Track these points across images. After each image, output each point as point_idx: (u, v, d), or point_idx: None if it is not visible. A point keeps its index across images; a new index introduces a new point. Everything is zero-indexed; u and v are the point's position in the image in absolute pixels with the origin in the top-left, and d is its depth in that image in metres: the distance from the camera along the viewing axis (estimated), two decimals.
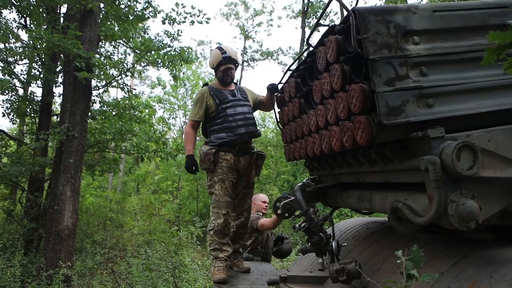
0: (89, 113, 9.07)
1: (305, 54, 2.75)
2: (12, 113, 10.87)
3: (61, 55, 9.40)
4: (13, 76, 10.56)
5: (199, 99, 3.49)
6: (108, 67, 9.55)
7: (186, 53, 9.89)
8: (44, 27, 8.87)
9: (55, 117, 11.39)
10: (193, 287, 6.52)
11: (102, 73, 9.33)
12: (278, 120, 3.47)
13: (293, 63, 3.16)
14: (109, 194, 17.53)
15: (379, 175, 2.26)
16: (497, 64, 1.34)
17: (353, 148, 2.11)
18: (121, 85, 10.88)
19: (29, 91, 11.53)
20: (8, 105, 10.72)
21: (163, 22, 9.91)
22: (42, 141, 8.85)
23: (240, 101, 3.53)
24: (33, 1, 9.23)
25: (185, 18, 9.91)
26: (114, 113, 10.75)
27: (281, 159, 15.57)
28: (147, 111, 11.95)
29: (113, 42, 10.96)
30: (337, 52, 2.07)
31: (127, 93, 11.26)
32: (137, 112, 11.00)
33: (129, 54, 12.37)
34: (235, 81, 3.73)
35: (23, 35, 11.23)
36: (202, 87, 3.64)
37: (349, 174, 2.67)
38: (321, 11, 18.54)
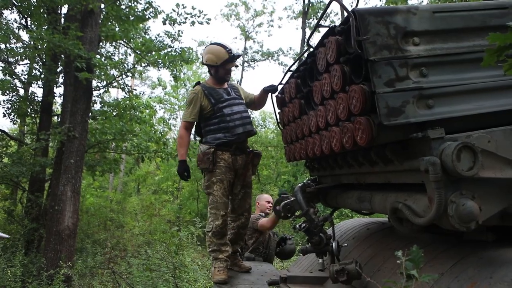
0: (90, 114, 9.09)
1: (305, 55, 2.76)
2: (13, 113, 10.88)
3: (62, 56, 9.41)
4: (14, 76, 10.58)
5: (193, 99, 3.39)
6: (108, 67, 9.57)
7: (187, 53, 9.90)
8: (45, 27, 8.89)
9: (55, 117, 11.40)
10: (193, 287, 6.52)
11: (102, 73, 9.35)
12: (279, 120, 3.47)
13: (293, 64, 3.17)
14: (109, 194, 17.54)
15: (379, 176, 2.26)
16: (497, 65, 1.34)
17: (353, 149, 2.11)
18: (122, 86, 10.90)
19: (30, 92, 11.55)
20: (9, 106, 10.74)
21: (164, 23, 9.93)
22: (42, 141, 8.86)
23: (235, 99, 3.46)
24: (34, 2, 9.25)
25: (185, 18, 9.93)
26: (114, 113, 10.76)
27: (282, 160, 15.58)
28: (147, 111, 11.96)
29: (113, 42, 10.98)
30: (337, 53, 2.07)
31: (127, 94, 11.28)
32: (137, 113, 11.00)
33: (130, 55, 12.40)
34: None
35: (24, 36, 11.27)
36: (194, 86, 3.54)
37: (350, 175, 2.67)
38: (321, 12, 18.55)
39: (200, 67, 24.58)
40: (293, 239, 4.50)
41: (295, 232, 9.25)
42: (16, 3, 9.40)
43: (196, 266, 7.28)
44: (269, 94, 3.54)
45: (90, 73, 7.92)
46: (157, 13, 9.89)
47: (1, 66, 10.28)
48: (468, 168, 1.63)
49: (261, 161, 16.52)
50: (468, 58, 1.89)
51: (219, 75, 3.48)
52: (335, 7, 21.10)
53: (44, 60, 10.19)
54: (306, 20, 19.17)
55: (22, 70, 11.39)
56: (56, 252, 7.57)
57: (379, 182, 2.29)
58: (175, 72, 10.23)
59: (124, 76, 10.99)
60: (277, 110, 3.48)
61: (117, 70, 10.55)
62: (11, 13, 10.32)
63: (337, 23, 2.19)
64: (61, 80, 10.52)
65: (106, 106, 11.01)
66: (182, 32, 10.41)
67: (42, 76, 10.25)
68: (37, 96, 11.19)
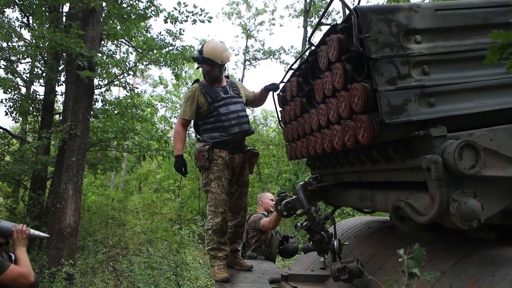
0: (91, 112, 9.09)
1: (307, 53, 2.75)
2: (15, 112, 10.90)
3: (64, 54, 9.42)
4: (15, 75, 10.59)
5: (190, 97, 3.38)
6: (110, 66, 9.56)
7: (188, 52, 9.89)
8: (47, 26, 8.90)
9: (57, 115, 11.41)
10: (195, 285, 6.53)
11: (104, 72, 9.36)
12: (280, 119, 3.47)
13: (295, 62, 3.17)
14: (111, 192, 17.55)
15: (381, 174, 2.26)
16: (500, 63, 1.34)
17: (355, 147, 2.11)
18: (123, 84, 10.90)
19: (31, 90, 11.56)
20: (11, 104, 10.76)
21: (165, 21, 9.92)
22: (44, 139, 8.88)
23: (232, 98, 3.42)
24: (35, 0, 9.25)
25: (187, 17, 9.92)
26: (116, 111, 10.77)
27: (283, 158, 15.56)
28: (149, 110, 11.97)
29: (115, 41, 10.97)
30: (339, 51, 2.07)
31: (129, 92, 11.28)
32: (139, 111, 11.01)
33: (131, 53, 12.41)
34: (227, 74, 3.64)
35: (26, 34, 11.23)
36: (192, 84, 3.53)
37: (351, 173, 2.67)
38: (323, 10, 18.50)
39: None
40: (295, 237, 4.49)
41: (296, 231, 9.25)
42: (18, 2, 9.41)
43: (198, 264, 7.28)
44: (271, 92, 3.54)
45: (91, 72, 7.92)
46: (159, 11, 9.89)
47: (3, 65, 10.31)
48: (470, 166, 1.63)
49: (263, 159, 16.55)
50: (470, 56, 1.89)
51: (215, 74, 3.43)
52: (336, 5, 21.10)
53: (45, 58, 10.20)
54: (308, 19, 19.12)
55: (24, 69, 11.42)
56: (58, 250, 7.59)
57: (380, 180, 2.29)
58: (176, 70, 10.23)
59: (125, 74, 10.99)
60: (279, 109, 3.47)
61: (118, 68, 10.55)
62: (13, 12, 10.36)
63: (339, 21, 2.18)
64: (62, 78, 10.52)
65: (107, 105, 11.01)
66: (183, 31, 10.41)
67: (44, 74, 10.26)
68: (39, 95, 11.20)
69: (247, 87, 3.76)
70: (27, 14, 10.13)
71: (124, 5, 9.58)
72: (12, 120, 11.32)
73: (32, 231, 2.85)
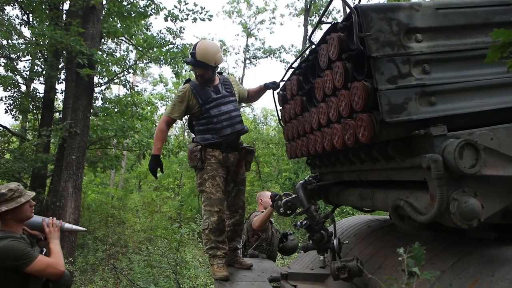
0: (91, 110, 9.09)
1: (307, 52, 2.75)
2: (15, 110, 10.91)
3: (64, 52, 9.41)
4: (15, 72, 10.59)
5: (181, 97, 3.27)
6: (110, 64, 9.56)
7: (188, 50, 9.88)
8: (47, 23, 8.89)
9: (57, 113, 11.41)
10: (194, 283, 6.54)
11: (104, 70, 9.35)
12: (280, 117, 3.46)
13: (295, 61, 3.16)
14: (111, 191, 17.57)
15: (381, 173, 2.26)
16: (501, 62, 1.33)
17: (355, 146, 2.10)
18: (123, 82, 10.90)
19: (31, 88, 11.55)
20: (11, 102, 10.76)
21: (166, 19, 9.92)
22: (44, 137, 8.88)
23: (224, 98, 3.32)
24: None
25: (187, 15, 9.92)
26: (116, 110, 10.77)
27: (283, 157, 15.57)
28: (149, 108, 11.97)
29: (115, 39, 10.97)
30: (339, 50, 2.06)
31: (129, 90, 11.27)
32: (139, 109, 11.01)
33: (131, 51, 12.40)
34: (221, 70, 3.56)
35: (26, 32, 11.23)
36: (184, 83, 3.40)
37: (351, 172, 2.67)
38: (323, 9, 18.49)
39: None
40: (294, 234, 4.48)
41: (296, 229, 9.26)
42: None
43: (197, 263, 7.29)
44: (271, 91, 3.53)
45: (91, 70, 7.92)
46: (159, 9, 9.89)
47: (3, 62, 10.30)
48: (470, 165, 1.63)
49: (262, 158, 16.53)
50: (471, 55, 1.89)
51: (208, 76, 3.32)
52: (337, 4, 21.06)
53: (45, 56, 10.20)
54: (308, 18, 19.11)
55: (24, 66, 11.38)
56: None
57: (380, 179, 2.29)
58: (176, 69, 10.23)
59: (125, 72, 11.00)
60: (279, 107, 3.47)
61: (118, 66, 10.55)
62: (13, 9, 10.34)
63: (339, 20, 2.18)
64: (62, 76, 10.52)
65: (107, 103, 11.02)
66: (184, 29, 10.41)
67: (44, 72, 10.26)
68: (39, 92, 11.20)
69: (241, 85, 3.70)
70: (27, 12, 10.12)
71: (124, 3, 9.58)
72: (12, 118, 11.35)
73: (67, 225, 2.92)
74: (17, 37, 9.95)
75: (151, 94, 19.76)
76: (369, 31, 1.77)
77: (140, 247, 9.81)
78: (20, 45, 10.24)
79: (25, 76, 10.97)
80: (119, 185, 19.91)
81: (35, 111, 11.24)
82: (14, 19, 10.33)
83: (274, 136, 18.02)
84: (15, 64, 10.77)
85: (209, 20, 10.01)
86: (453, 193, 1.64)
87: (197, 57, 3.19)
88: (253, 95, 3.69)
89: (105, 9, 9.18)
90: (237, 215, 3.48)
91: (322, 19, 2.45)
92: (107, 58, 9.32)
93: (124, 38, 10.67)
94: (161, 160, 3.32)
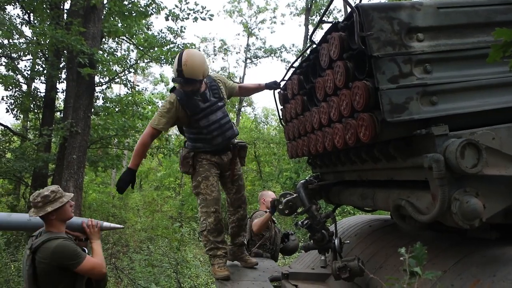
0: (92, 109, 9.09)
1: (308, 51, 2.74)
2: (16, 109, 10.90)
3: (65, 51, 9.41)
4: (16, 72, 10.59)
5: (168, 108, 3.10)
6: (111, 63, 9.56)
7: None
8: (48, 23, 8.89)
9: (58, 113, 11.42)
10: (195, 283, 6.54)
11: (105, 69, 9.35)
12: (281, 117, 3.46)
13: (296, 60, 3.15)
14: (112, 190, 17.57)
15: (382, 173, 2.26)
16: (502, 61, 1.33)
17: (356, 146, 2.10)
18: (124, 82, 10.90)
19: (32, 87, 11.56)
20: (12, 101, 10.76)
21: (167, 19, 9.91)
22: (45, 136, 8.88)
23: (212, 106, 3.20)
24: None
25: (188, 14, 9.91)
26: (117, 109, 10.77)
27: (284, 157, 15.56)
28: (150, 107, 11.96)
29: (116, 38, 10.97)
30: (340, 49, 2.06)
31: (130, 90, 11.27)
32: (140, 109, 11.01)
33: (132, 51, 12.40)
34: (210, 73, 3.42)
35: (27, 31, 11.24)
36: (170, 91, 3.24)
37: (352, 172, 2.66)
38: (324, 8, 18.46)
39: None
40: (295, 234, 4.49)
41: (297, 229, 9.26)
42: None
43: (198, 262, 7.30)
44: (272, 90, 3.53)
45: (92, 69, 7.92)
46: (160, 9, 9.88)
47: (4, 62, 10.30)
48: (472, 165, 1.62)
49: (263, 157, 16.49)
50: (472, 54, 1.88)
51: (195, 89, 3.14)
52: (338, 3, 21.04)
53: (46, 55, 10.20)
54: (309, 17, 19.08)
55: (25, 66, 11.40)
56: None
57: (382, 179, 2.28)
58: None
59: (126, 72, 10.99)
60: (280, 107, 3.47)
61: (119, 66, 10.55)
62: (14, 9, 10.33)
63: (340, 20, 2.17)
64: (63, 75, 10.52)
65: (108, 102, 11.02)
66: (184, 28, 10.40)
67: (45, 71, 10.26)
68: (40, 92, 11.20)
69: (230, 81, 3.58)
70: (28, 11, 10.12)
71: (125, 3, 9.57)
72: (13, 117, 11.34)
73: (105, 224, 3.01)
74: (18, 36, 9.96)
75: (152, 94, 19.74)
76: (370, 31, 1.76)
77: (141, 247, 9.82)
78: (21, 45, 10.24)
79: (26, 75, 10.97)
80: None
81: (36, 111, 11.24)
82: (15, 19, 10.35)
83: (275, 136, 18.02)
84: (16, 63, 10.77)
85: (210, 19, 10.00)
86: (454, 193, 1.64)
87: (185, 75, 3.00)
88: (246, 92, 3.66)
89: (106, 8, 9.18)
90: (240, 210, 3.49)
91: (323, 19, 2.44)
92: (108, 58, 9.32)
93: (125, 38, 10.66)
94: (135, 176, 3.15)
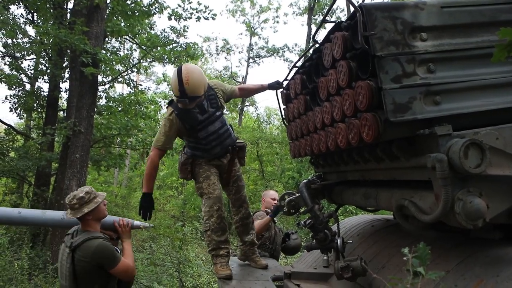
0: (95, 109, 9.11)
1: (311, 51, 2.74)
2: (19, 108, 10.94)
3: (68, 51, 9.44)
4: (20, 71, 10.63)
5: (169, 127, 3.11)
6: (114, 62, 9.58)
7: (192, 49, 9.89)
8: (51, 22, 8.91)
9: (61, 112, 11.45)
10: (197, 282, 6.55)
11: (108, 68, 9.37)
12: (284, 116, 3.45)
13: (299, 60, 3.14)
14: (114, 189, 17.63)
15: (385, 173, 2.25)
16: (507, 61, 1.32)
17: (359, 146, 2.09)
18: (127, 81, 10.92)
19: (36, 86, 11.61)
20: (16, 100, 10.80)
21: (169, 18, 9.93)
22: (48, 136, 8.91)
23: (210, 117, 3.18)
24: None
25: (191, 14, 9.92)
26: (120, 108, 10.80)
27: (286, 156, 15.55)
28: (152, 107, 11.99)
29: (119, 38, 10.99)
30: (343, 49, 2.05)
31: (133, 89, 11.30)
32: (142, 108, 11.03)
33: (135, 50, 12.42)
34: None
35: (30, 31, 11.27)
36: (167, 106, 3.23)
37: (355, 172, 2.66)
38: (327, 7, 18.45)
39: (205, 63, 24.58)
40: (297, 234, 4.48)
41: (299, 229, 9.26)
42: None
43: (200, 261, 7.31)
44: (275, 90, 3.53)
45: (95, 68, 7.94)
46: (163, 8, 9.89)
47: (7, 61, 10.34)
48: (475, 165, 1.62)
49: (266, 157, 16.51)
50: (476, 54, 1.88)
51: (190, 107, 3.09)
52: (341, 3, 20.99)
53: (50, 55, 10.23)
54: (312, 16, 19.07)
55: (29, 65, 11.40)
56: None
57: (385, 179, 2.28)
58: None
59: (129, 71, 11.02)
60: (282, 106, 3.46)
61: (122, 65, 10.58)
62: (17, 8, 10.36)
63: (343, 19, 2.17)
64: (67, 75, 10.55)
65: (111, 101, 11.05)
66: (187, 28, 10.41)
67: (48, 71, 10.30)
68: (43, 91, 11.24)
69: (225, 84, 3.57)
70: (32, 11, 10.15)
71: (128, 2, 9.59)
72: (17, 116, 11.39)
73: (136, 223, 3.05)
74: (21, 36, 9.98)
75: (155, 93, 19.79)
76: (373, 30, 1.76)
77: (143, 245, 9.84)
78: (25, 44, 10.28)
79: (30, 75, 11.01)
80: (123, 184, 19.97)
81: (39, 110, 11.28)
82: (18, 18, 10.38)
83: (278, 135, 18.01)
84: (20, 63, 10.81)
85: (213, 19, 10.01)
86: (458, 193, 1.63)
87: (189, 93, 2.94)
88: (247, 93, 3.67)
89: (109, 8, 9.19)
90: (242, 209, 3.49)
91: (326, 18, 2.44)
92: (111, 57, 9.34)
93: (128, 37, 10.68)
94: (153, 199, 3.16)
